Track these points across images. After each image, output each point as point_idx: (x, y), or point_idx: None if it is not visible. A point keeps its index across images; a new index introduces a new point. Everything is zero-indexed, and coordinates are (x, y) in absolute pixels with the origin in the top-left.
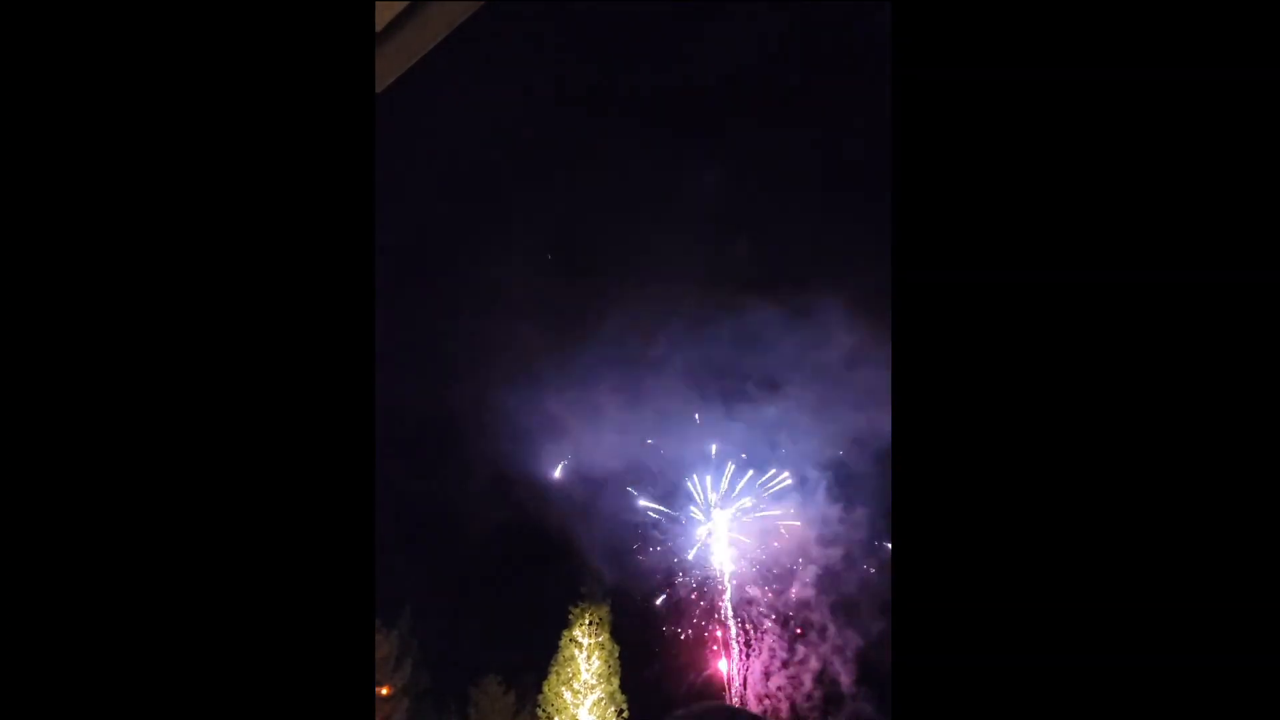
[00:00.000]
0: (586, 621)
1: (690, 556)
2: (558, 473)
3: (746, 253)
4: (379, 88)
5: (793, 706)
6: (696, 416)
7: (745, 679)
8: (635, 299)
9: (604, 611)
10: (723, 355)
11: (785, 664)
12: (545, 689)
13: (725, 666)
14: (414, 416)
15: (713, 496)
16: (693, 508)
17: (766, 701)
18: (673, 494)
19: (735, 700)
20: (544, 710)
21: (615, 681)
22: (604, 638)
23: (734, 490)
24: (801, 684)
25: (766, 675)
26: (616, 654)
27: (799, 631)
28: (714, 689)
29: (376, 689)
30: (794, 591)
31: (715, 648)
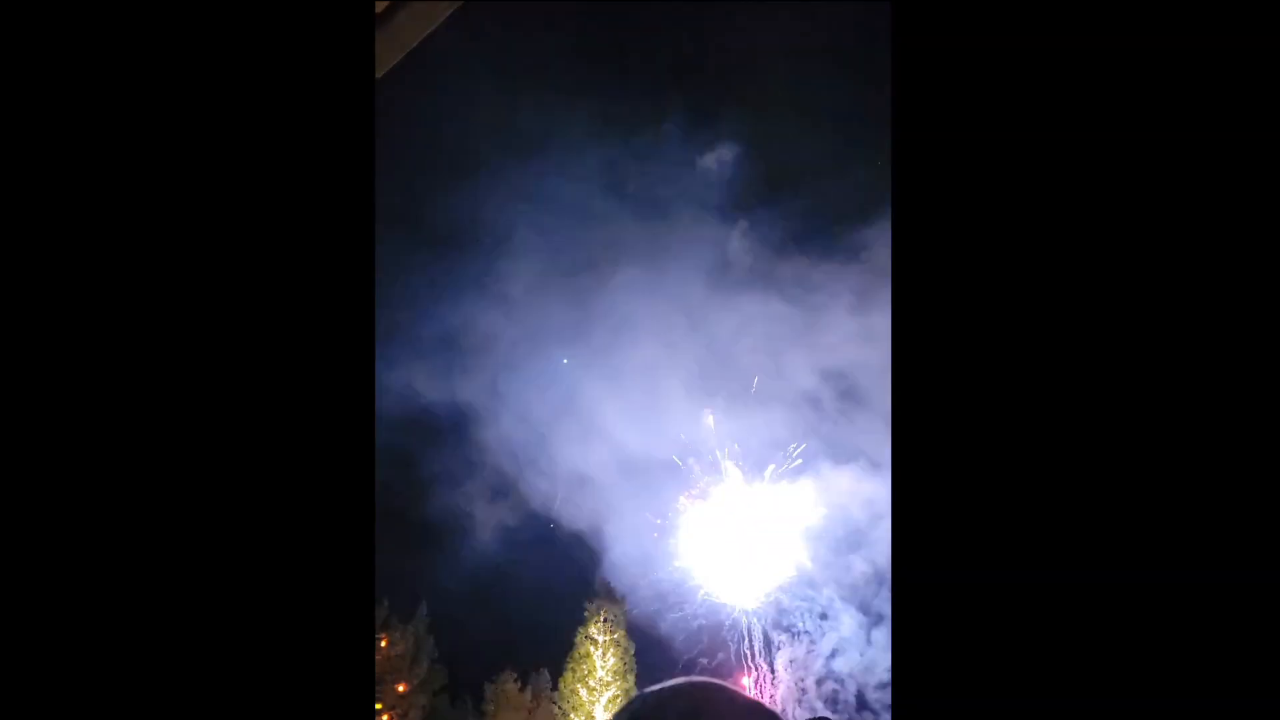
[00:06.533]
0: (602, 618)
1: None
2: (574, 467)
3: (757, 237)
4: (378, 73)
5: (860, 697)
6: (710, 408)
7: (808, 666)
8: (645, 288)
9: (619, 608)
10: (743, 340)
11: (862, 651)
12: (561, 685)
13: (750, 658)
14: (427, 412)
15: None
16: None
17: (828, 684)
18: (693, 482)
19: (757, 691)
20: (559, 707)
21: (631, 678)
22: (620, 634)
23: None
24: (874, 672)
25: (831, 655)
26: (632, 651)
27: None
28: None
29: (394, 685)
30: (858, 566)
31: (740, 639)
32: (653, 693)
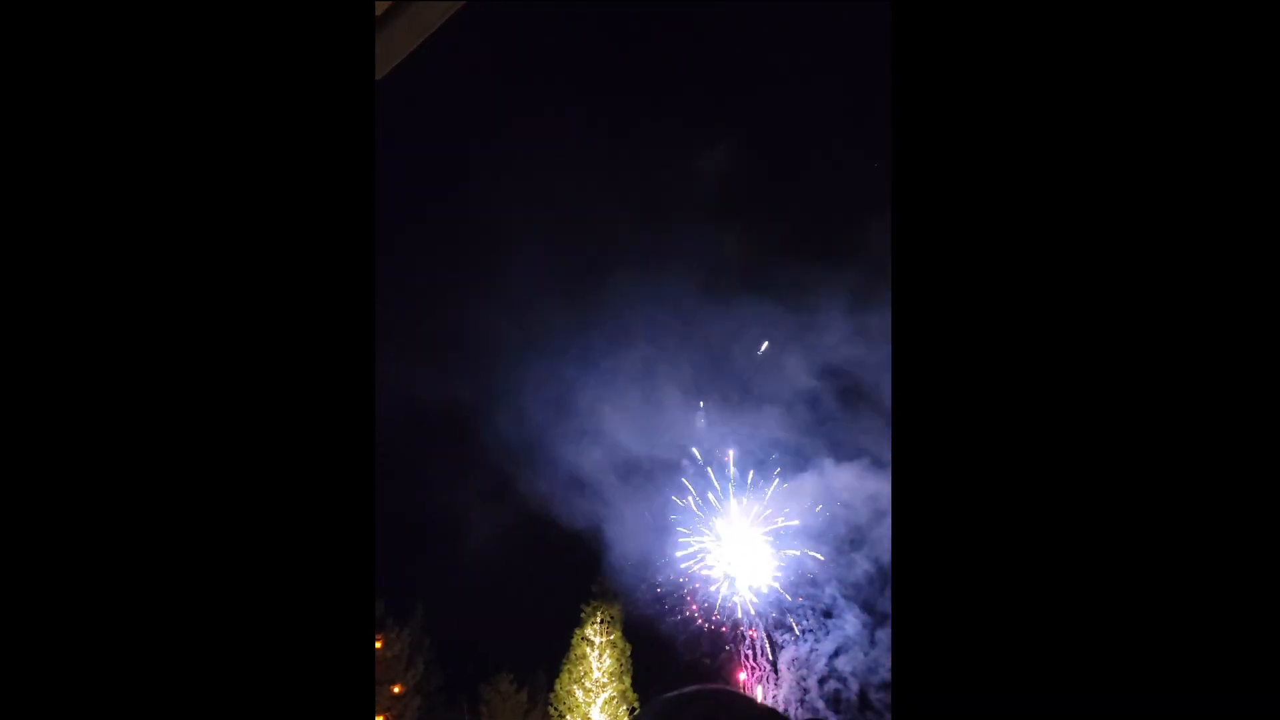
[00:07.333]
0: (598, 619)
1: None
2: (571, 467)
3: (755, 236)
4: (378, 75)
5: (862, 694)
6: (701, 404)
7: (810, 665)
8: (643, 288)
9: (616, 609)
10: (741, 340)
11: (865, 650)
12: (557, 687)
13: (748, 653)
14: (425, 411)
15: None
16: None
17: (831, 684)
18: (693, 483)
19: (757, 688)
20: (555, 708)
21: (627, 680)
22: (616, 636)
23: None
24: (877, 670)
25: (835, 654)
26: (628, 652)
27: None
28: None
29: (389, 687)
30: (861, 564)
31: (739, 639)
32: (670, 698)
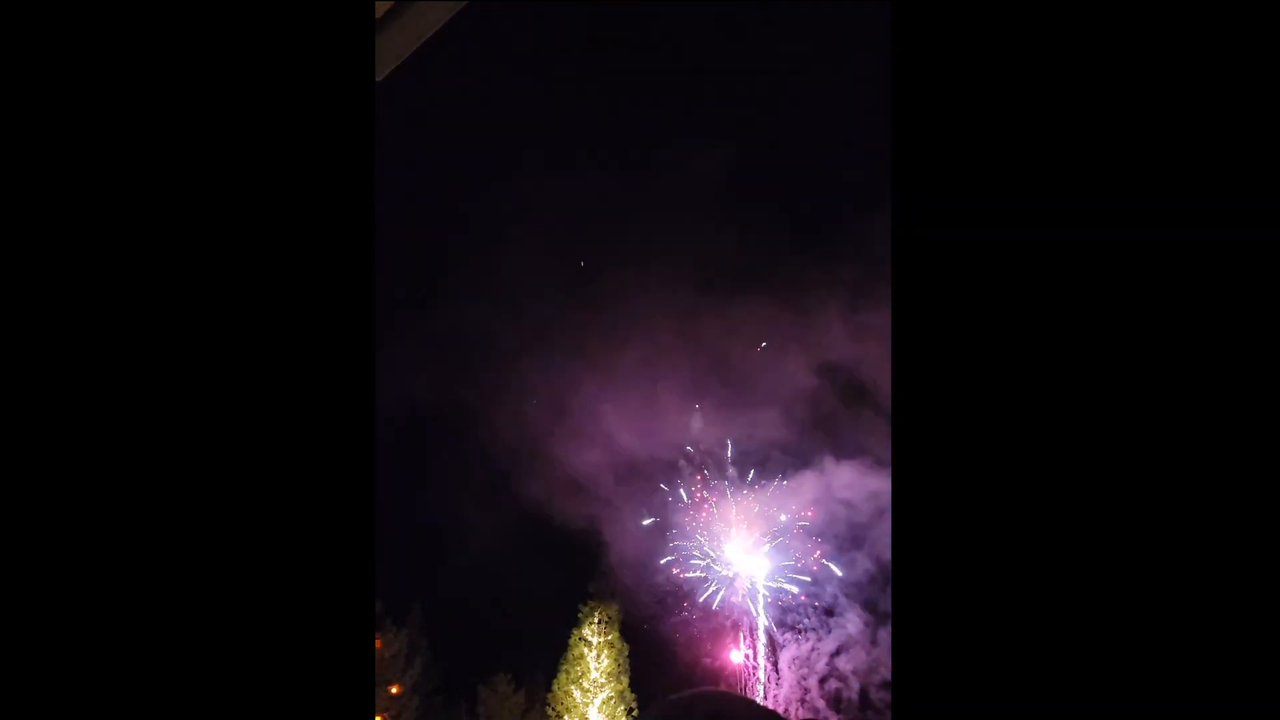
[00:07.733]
0: (596, 620)
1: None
2: (570, 468)
3: (754, 235)
4: (378, 76)
5: (863, 694)
6: (696, 406)
7: (811, 664)
8: (642, 287)
9: (614, 610)
10: (740, 338)
11: (867, 649)
12: (555, 687)
13: (744, 653)
14: (422, 412)
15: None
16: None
17: (832, 682)
18: (692, 483)
19: (758, 686)
20: (553, 709)
21: (625, 680)
22: (613, 636)
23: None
24: (878, 670)
25: (836, 653)
26: (626, 653)
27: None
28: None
29: (388, 687)
30: (862, 563)
31: (737, 638)
32: (672, 701)
